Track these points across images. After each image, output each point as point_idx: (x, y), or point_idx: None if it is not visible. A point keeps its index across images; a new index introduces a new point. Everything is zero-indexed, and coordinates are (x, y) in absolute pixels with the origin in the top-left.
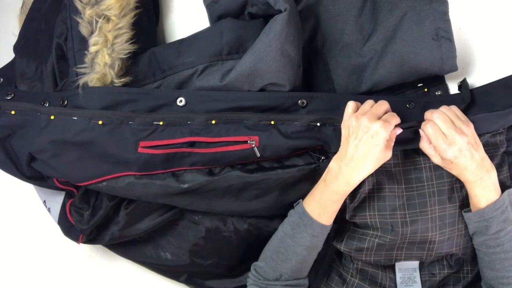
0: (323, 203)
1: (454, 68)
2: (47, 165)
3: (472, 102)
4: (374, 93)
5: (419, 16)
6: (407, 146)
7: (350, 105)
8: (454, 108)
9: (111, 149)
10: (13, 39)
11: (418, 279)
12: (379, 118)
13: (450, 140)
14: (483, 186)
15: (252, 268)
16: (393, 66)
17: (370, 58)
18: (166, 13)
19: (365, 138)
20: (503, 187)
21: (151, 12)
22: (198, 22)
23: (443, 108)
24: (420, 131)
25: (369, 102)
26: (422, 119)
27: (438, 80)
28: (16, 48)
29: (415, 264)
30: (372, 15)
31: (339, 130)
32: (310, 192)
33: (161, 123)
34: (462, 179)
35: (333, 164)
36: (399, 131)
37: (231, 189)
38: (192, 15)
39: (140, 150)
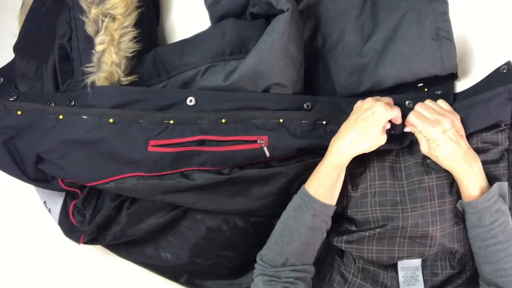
0: (318, 176)
1: (454, 68)
2: (55, 166)
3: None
4: (374, 93)
5: (419, 16)
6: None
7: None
8: (439, 101)
9: (120, 148)
10: (13, 39)
11: (420, 277)
12: None
13: (433, 120)
14: (473, 174)
15: (258, 258)
16: (393, 66)
17: (370, 58)
18: (166, 13)
19: (366, 115)
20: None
21: (151, 12)
22: (198, 22)
23: (427, 101)
24: (406, 123)
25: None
26: None
27: (438, 80)
28: (16, 48)
29: (418, 262)
30: (372, 15)
31: None
32: None
33: (171, 121)
34: (452, 169)
35: (332, 139)
36: (388, 125)
37: (240, 187)
38: (192, 15)
39: (150, 149)
